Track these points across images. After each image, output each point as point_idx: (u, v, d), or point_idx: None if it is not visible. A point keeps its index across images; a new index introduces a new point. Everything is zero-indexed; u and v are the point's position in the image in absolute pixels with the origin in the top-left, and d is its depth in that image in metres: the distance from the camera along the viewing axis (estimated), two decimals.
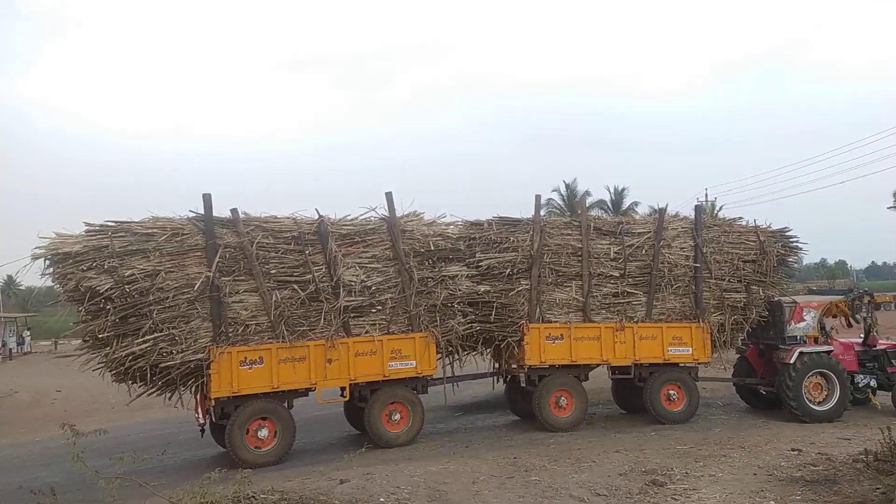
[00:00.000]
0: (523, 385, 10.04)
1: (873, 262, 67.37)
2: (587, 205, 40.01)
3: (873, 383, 10.63)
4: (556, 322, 9.60)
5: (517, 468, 7.28)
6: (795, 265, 11.59)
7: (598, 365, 9.95)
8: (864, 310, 10.91)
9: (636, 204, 43.01)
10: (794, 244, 10.81)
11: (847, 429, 9.26)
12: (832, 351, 10.37)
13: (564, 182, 43.91)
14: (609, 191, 44.58)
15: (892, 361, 10.76)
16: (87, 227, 8.19)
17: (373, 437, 9.03)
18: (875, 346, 10.85)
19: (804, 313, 10.41)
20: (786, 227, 10.77)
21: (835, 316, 11.04)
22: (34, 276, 9.27)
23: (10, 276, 73.47)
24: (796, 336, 10.37)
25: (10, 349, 37.78)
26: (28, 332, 43.49)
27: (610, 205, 44.00)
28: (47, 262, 8.10)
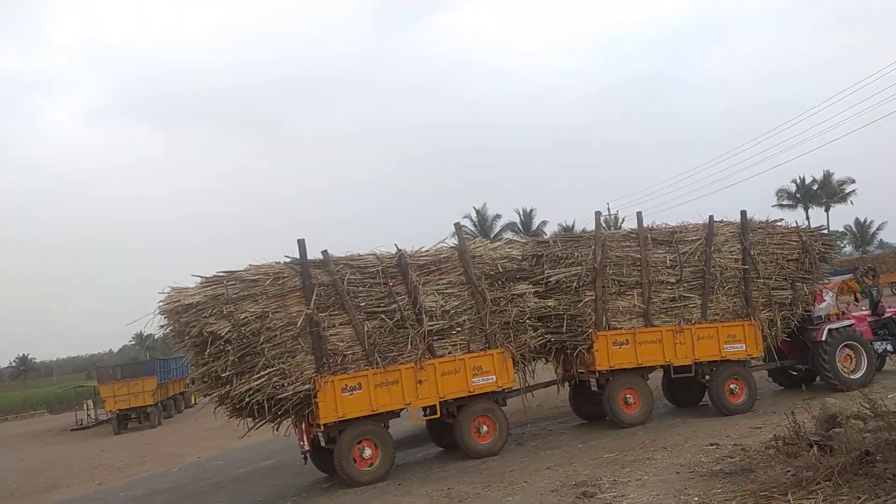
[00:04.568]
0: (594, 389, 12.44)
1: None
2: (497, 230, 44.58)
3: (889, 347, 13.69)
4: (621, 328, 12.01)
5: (451, 499, 8.49)
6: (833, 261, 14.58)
7: (662, 366, 12.38)
8: (870, 283, 14.07)
9: (544, 223, 49.30)
10: (832, 241, 13.72)
11: (758, 418, 11.12)
12: (853, 324, 13.23)
13: (475, 208, 49.57)
14: (518, 213, 50.63)
15: None
16: (201, 279, 10.55)
17: (464, 449, 11.28)
18: (884, 315, 13.91)
19: (824, 294, 13.38)
20: (822, 226, 13.67)
21: (846, 293, 14.03)
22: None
23: None
24: (821, 316, 13.25)
25: None
26: None
27: (521, 226, 49.14)
28: (164, 315, 10.65)
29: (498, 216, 49.92)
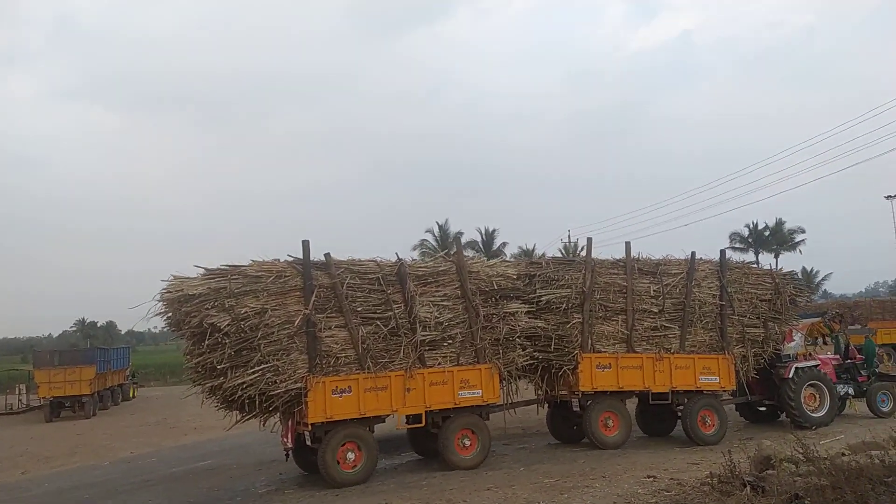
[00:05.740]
0: (576, 410, 13.15)
1: None
2: (461, 244, 46.84)
3: (851, 391, 14.97)
4: (604, 352, 12.77)
5: None
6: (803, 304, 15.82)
7: (640, 392, 13.16)
8: (839, 328, 15.41)
9: (505, 244, 51.20)
10: (802, 285, 14.92)
11: (696, 454, 11.76)
12: (818, 365, 14.45)
13: (438, 223, 50.84)
14: (480, 232, 52.41)
15: (861, 372, 15.24)
16: (205, 271, 10.80)
17: (445, 461, 11.69)
18: (850, 360, 15.23)
19: (794, 335, 14.55)
20: (793, 271, 14.85)
21: (814, 335, 15.29)
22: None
23: None
24: (789, 354, 14.40)
25: None
26: None
27: (481, 245, 50.82)
28: (163, 304, 10.76)
29: (460, 233, 50.78)
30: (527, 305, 12.60)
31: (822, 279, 68.04)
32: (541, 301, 12.68)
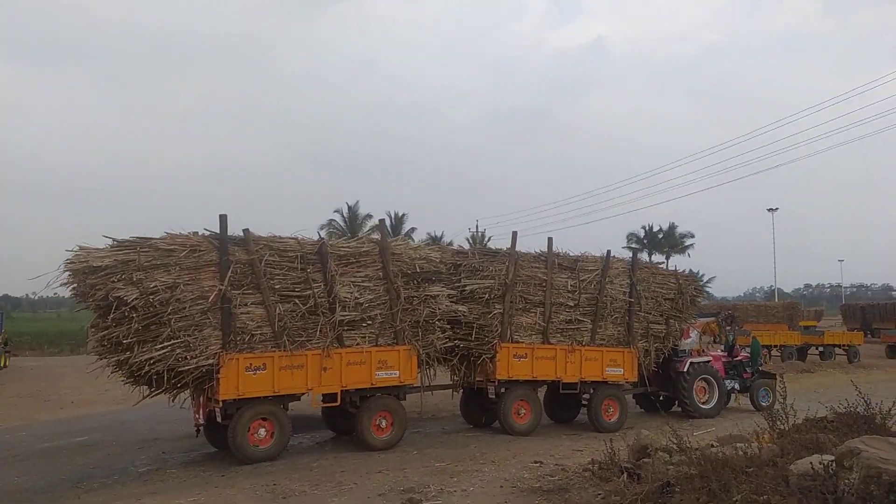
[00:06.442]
0: (491, 396, 13.40)
1: None
2: (366, 229, 47.26)
3: (737, 387, 16.27)
4: (522, 342, 13.10)
5: (275, 496, 8.49)
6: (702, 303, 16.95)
7: (553, 381, 13.62)
8: (728, 327, 16.80)
9: (413, 230, 52.13)
10: (702, 287, 15.93)
11: (580, 441, 12.25)
12: (710, 361, 15.57)
13: (347, 204, 51.13)
14: (389, 216, 52.43)
15: (747, 369, 16.60)
16: (114, 243, 10.17)
17: (361, 442, 11.65)
18: (737, 357, 16.53)
19: (690, 332, 15.61)
20: (695, 273, 15.82)
21: (707, 333, 16.55)
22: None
23: None
24: (685, 350, 15.44)
25: None
26: None
27: (390, 230, 51.54)
28: (69, 274, 10.02)
29: (369, 216, 50.40)
30: (448, 290, 12.66)
31: (706, 282, 72.56)
32: (465, 290, 12.81)
